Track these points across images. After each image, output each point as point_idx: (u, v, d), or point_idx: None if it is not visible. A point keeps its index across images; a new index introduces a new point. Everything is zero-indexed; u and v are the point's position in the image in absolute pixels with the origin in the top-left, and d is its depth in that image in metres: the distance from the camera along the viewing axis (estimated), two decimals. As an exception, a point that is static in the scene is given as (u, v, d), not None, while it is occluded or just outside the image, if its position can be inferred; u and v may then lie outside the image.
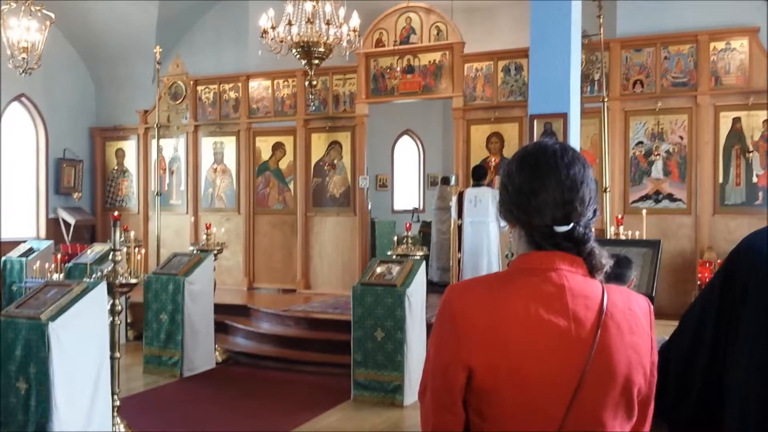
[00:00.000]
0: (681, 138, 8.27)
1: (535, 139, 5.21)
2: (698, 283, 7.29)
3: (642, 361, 1.40)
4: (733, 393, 1.74)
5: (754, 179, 7.96)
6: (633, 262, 4.30)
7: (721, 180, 8.11)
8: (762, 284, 1.74)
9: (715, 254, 7.61)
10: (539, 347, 1.36)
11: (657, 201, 8.29)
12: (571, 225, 1.41)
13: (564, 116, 5.06)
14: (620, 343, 1.37)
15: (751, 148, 7.95)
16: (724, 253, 1.92)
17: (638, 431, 1.48)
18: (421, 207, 14.32)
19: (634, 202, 8.38)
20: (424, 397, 1.46)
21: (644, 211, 7.55)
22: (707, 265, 7.23)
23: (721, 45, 8.12)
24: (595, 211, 1.45)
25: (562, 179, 1.40)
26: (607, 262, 1.44)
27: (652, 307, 1.46)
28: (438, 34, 9.40)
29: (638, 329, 1.40)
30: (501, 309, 1.38)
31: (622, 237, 6.60)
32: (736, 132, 8.05)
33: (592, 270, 1.43)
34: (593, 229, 1.46)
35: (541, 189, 1.41)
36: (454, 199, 8.21)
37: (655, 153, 8.33)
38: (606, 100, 7.54)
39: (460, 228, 7.97)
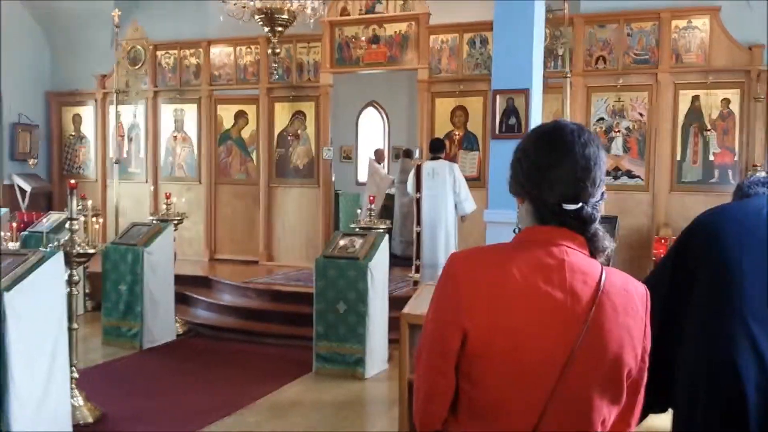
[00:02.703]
0: (641, 115, 8.39)
1: (497, 115, 5.23)
2: (654, 259, 7.45)
3: (634, 343, 1.43)
4: (683, 366, 1.80)
5: (711, 157, 8.14)
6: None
7: (678, 157, 8.27)
8: (713, 262, 1.79)
9: (671, 231, 7.78)
10: (534, 317, 1.40)
11: (616, 177, 8.41)
12: (580, 204, 1.44)
13: (526, 92, 5.08)
14: (614, 321, 1.41)
15: (708, 127, 8.11)
16: (680, 230, 1.97)
17: (626, 422, 1.50)
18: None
19: (594, 177, 8.49)
20: (420, 360, 1.51)
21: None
22: (663, 241, 7.39)
23: (682, 23, 8.21)
24: (602, 194, 1.48)
25: (577, 158, 1.44)
26: (609, 245, 1.48)
27: (649, 294, 1.49)
28: (404, 4, 9.32)
29: (633, 312, 1.44)
30: (500, 276, 1.42)
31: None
32: (695, 110, 8.19)
33: (594, 251, 1.47)
34: (600, 211, 1.49)
35: (556, 165, 1.45)
36: (412, 173, 8.23)
37: (616, 130, 8.44)
38: (569, 75, 7.59)
39: (418, 201, 8.01)
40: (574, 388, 1.39)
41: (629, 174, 8.40)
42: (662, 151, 8.28)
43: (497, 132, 5.25)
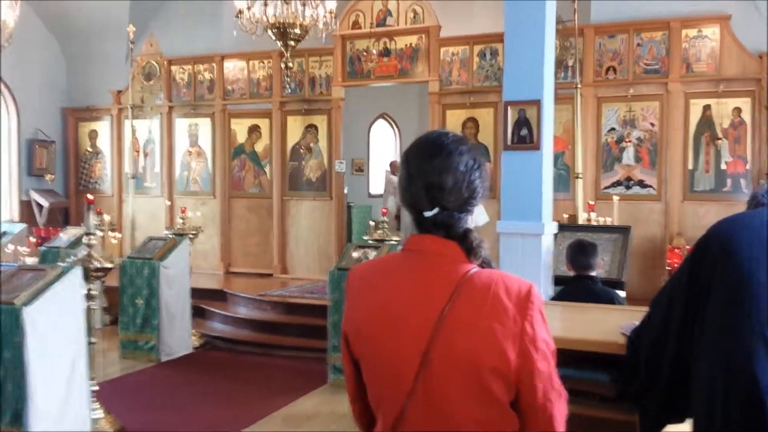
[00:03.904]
0: (652, 125, 8.39)
1: (509, 126, 5.26)
2: (667, 268, 7.44)
3: (498, 345, 1.40)
4: (701, 376, 1.80)
5: (723, 166, 8.12)
6: (598, 247, 4.41)
7: (690, 167, 8.26)
8: (729, 271, 1.79)
9: (684, 240, 7.77)
10: (390, 321, 1.47)
11: (628, 187, 8.42)
12: (435, 210, 1.49)
13: (537, 103, 5.09)
14: (467, 322, 1.41)
15: (720, 136, 8.10)
16: (693, 239, 1.98)
17: (538, 425, 1.46)
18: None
19: (605, 188, 8.50)
20: None
21: (615, 198, 7.68)
22: (676, 250, 7.38)
23: (693, 32, 8.23)
24: (472, 195, 1.51)
25: (424, 170, 1.50)
26: (480, 245, 1.50)
27: (534, 293, 1.45)
28: (414, 17, 9.40)
29: (497, 313, 1.41)
30: (369, 284, 1.54)
31: (594, 223, 6.72)
32: (706, 119, 8.19)
33: (467, 253, 1.49)
34: (467, 212, 1.52)
35: (409, 182, 1.52)
36: None
37: (627, 140, 8.45)
38: (579, 86, 7.61)
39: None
40: (432, 390, 1.42)
41: (641, 184, 8.40)
42: (674, 160, 8.27)
43: (509, 143, 5.26)
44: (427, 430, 1.43)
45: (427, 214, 1.49)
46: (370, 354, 1.52)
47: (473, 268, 1.47)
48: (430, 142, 1.54)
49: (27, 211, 11.14)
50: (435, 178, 1.48)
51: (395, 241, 6.86)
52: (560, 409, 1.48)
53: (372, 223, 7.54)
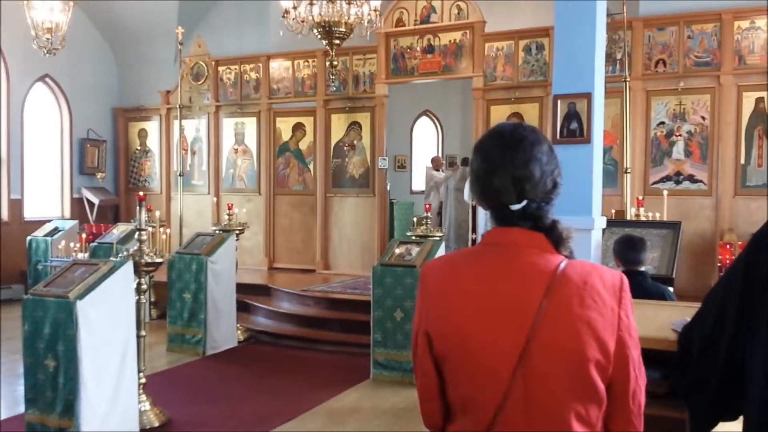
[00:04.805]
0: (703, 118, 8.18)
1: (559, 120, 5.18)
2: (718, 265, 7.25)
3: (598, 336, 1.39)
4: (755, 374, 1.76)
5: (777, 160, 7.88)
6: (647, 242, 4.32)
7: (742, 161, 8.02)
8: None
9: (736, 236, 7.55)
10: (483, 315, 1.43)
11: (677, 182, 8.22)
12: (524, 203, 1.47)
13: (588, 96, 5.01)
14: (568, 315, 1.39)
15: (773, 129, 7.86)
16: (745, 235, 1.92)
17: (623, 422, 1.46)
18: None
19: (654, 183, 8.32)
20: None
21: (665, 193, 7.50)
22: (727, 246, 7.18)
23: (745, 24, 7.99)
24: (555, 185, 1.51)
25: (509, 162, 1.47)
26: (569, 236, 1.48)
27: (626, 282, 1.46)
28: (458, 13, 9.35)
29: (596, 304, 1.40)
30: (455, 280, 1.49)
31: (643, 218, 6.59)
32: (759, 112, 7.94)
33: (556, 245, 1.47)
34: (551, 203, 1.51)
35: (492, 175, 1.48)
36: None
37: (677, 133, 8.25)
38: (628, 80, 7.46)
39: (474, 209, 7.99)
40: (535, 383, 1.39)
41: (691, 178, 8.20)
42: (725, 154, 8.05)
43: (558, 137, 5.19)
44: (528, 428, 1.40)
45: (515, 207, 1.47)
46: (460, 352, 1.45)
47: (563, 259, 1.45)
48: (509, 134, 1.51)
49: (78, 208, 11.45)
50: (522, 170, 1.46)
51: (438, 237, 6.83)
52: (644, 396, 1.49)
53: (415, 219, 7.53)
